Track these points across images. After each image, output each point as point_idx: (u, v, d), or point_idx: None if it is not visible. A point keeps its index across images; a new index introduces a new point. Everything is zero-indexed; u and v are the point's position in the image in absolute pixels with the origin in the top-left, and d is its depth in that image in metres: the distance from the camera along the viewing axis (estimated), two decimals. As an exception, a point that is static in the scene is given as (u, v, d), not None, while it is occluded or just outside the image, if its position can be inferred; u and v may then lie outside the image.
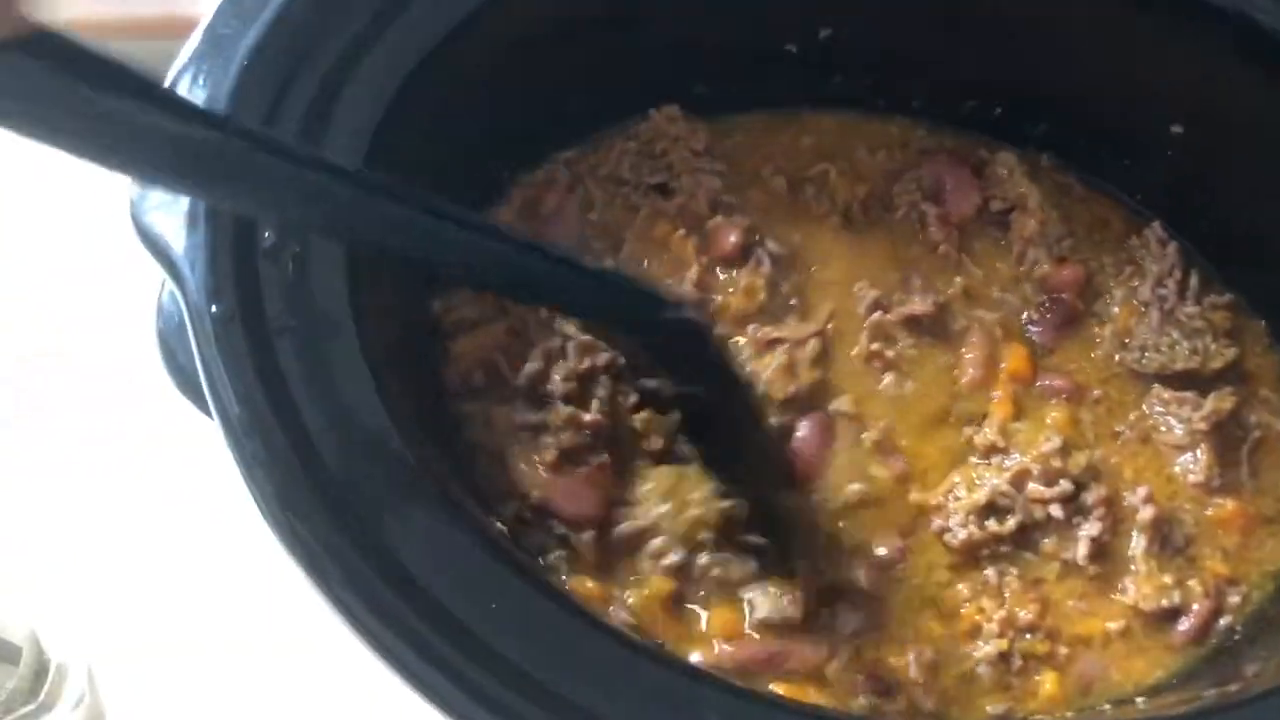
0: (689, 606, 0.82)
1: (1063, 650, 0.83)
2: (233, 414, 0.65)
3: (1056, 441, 0.87)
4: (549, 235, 0.96)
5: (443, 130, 0.87)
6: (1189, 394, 0.92)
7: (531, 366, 0.87)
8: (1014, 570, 0.85)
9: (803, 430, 0.89)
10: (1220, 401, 0.91)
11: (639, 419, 0.87)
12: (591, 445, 0.86)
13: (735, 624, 0.82)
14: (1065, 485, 0.86)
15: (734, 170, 1.01)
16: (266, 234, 0.71)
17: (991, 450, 0.89)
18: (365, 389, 0.69)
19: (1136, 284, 0.97)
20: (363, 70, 0.79)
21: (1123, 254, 1.00)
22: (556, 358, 0.88)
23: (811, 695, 0.80)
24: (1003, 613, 0.83)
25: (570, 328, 0.89)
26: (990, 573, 0.85)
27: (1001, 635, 0.82)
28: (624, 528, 0.84)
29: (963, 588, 0.85)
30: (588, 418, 0.86)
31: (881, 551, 0.85)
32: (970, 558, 0.85)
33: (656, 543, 0.84)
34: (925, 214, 1.00)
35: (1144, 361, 0.94)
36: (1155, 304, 0.96)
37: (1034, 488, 0.86)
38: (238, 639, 0.95)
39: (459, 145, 0.89)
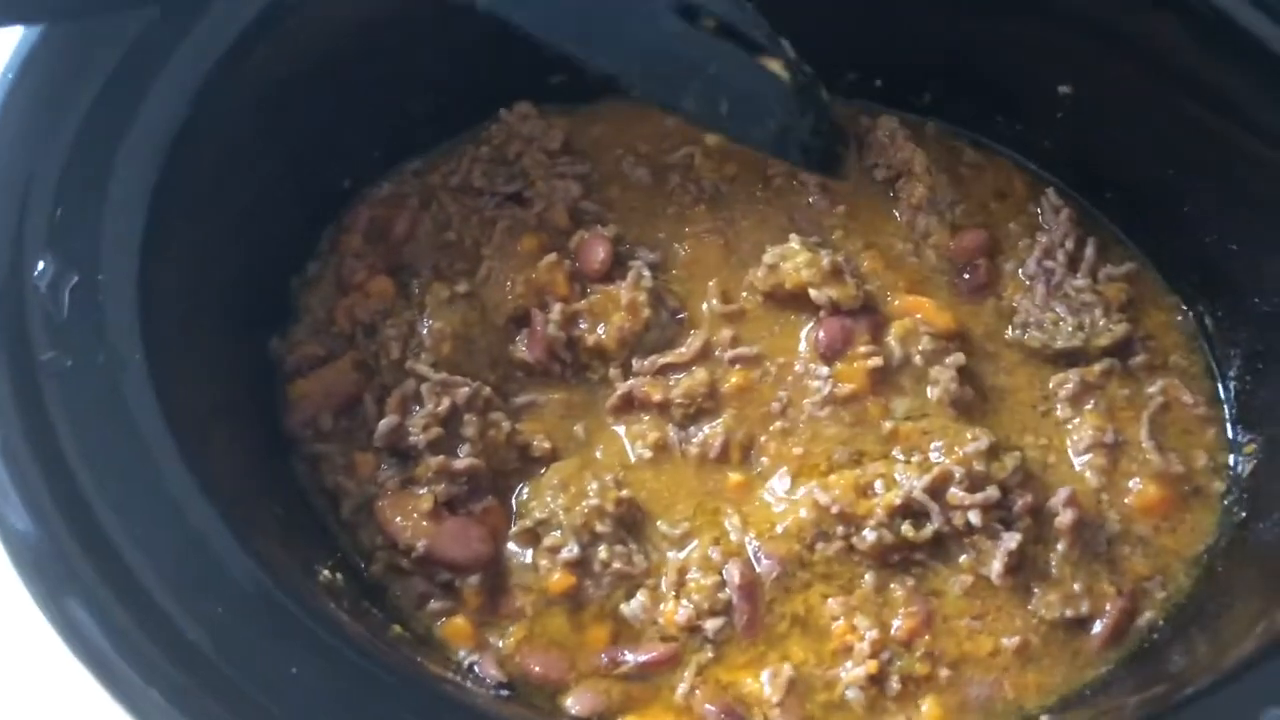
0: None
1: (944, 672, 0.77)
2: None
3: (984, 443, 0.81)
4: (402, 260, 0.89)
5: (261, 140, 0.79)
6: (1071, 373, 0.87)
7: (388, 422, 0.80)
8: (908, 582, 0.79)
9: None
10: (1086, 374, 0.86)
11: (521, 435, 0.82)
12: (471, 491, 0.80)
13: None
14: (991, 492, 0.79)
15: (595, 167, 0.94)
16: (41, 262, 0.63)
17: (901, 444, 0.83)
18: (162, 445, 0.62)
19: (1027, 256, 0.92)
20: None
21: (1024, 220, 0.94)
22: (411, 403, 0.81)
23: None
24: (875, 632, 0.77)
25: (421, 366, 0.82)
26: (868, 583, 0.79)
27: (874, 655, 0.76)
28: (514, 530, 0.79)
29: (834, 603, 0.78)
30: (460, 464, 0.80)
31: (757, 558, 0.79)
32: (881, 564, 0.79)
33: (552, 536, 0.78)
34: (804, 183, 0.93)
35: (1027, 339, 0.88)
36: (1041, 277, 0.90)
37: (955, 493, 0.79)
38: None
39: (283, 156, 0.82)
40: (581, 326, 0.86)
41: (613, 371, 0.86)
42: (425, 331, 0.84)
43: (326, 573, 0.72)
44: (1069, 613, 0.78)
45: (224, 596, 0.58)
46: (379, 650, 0.65)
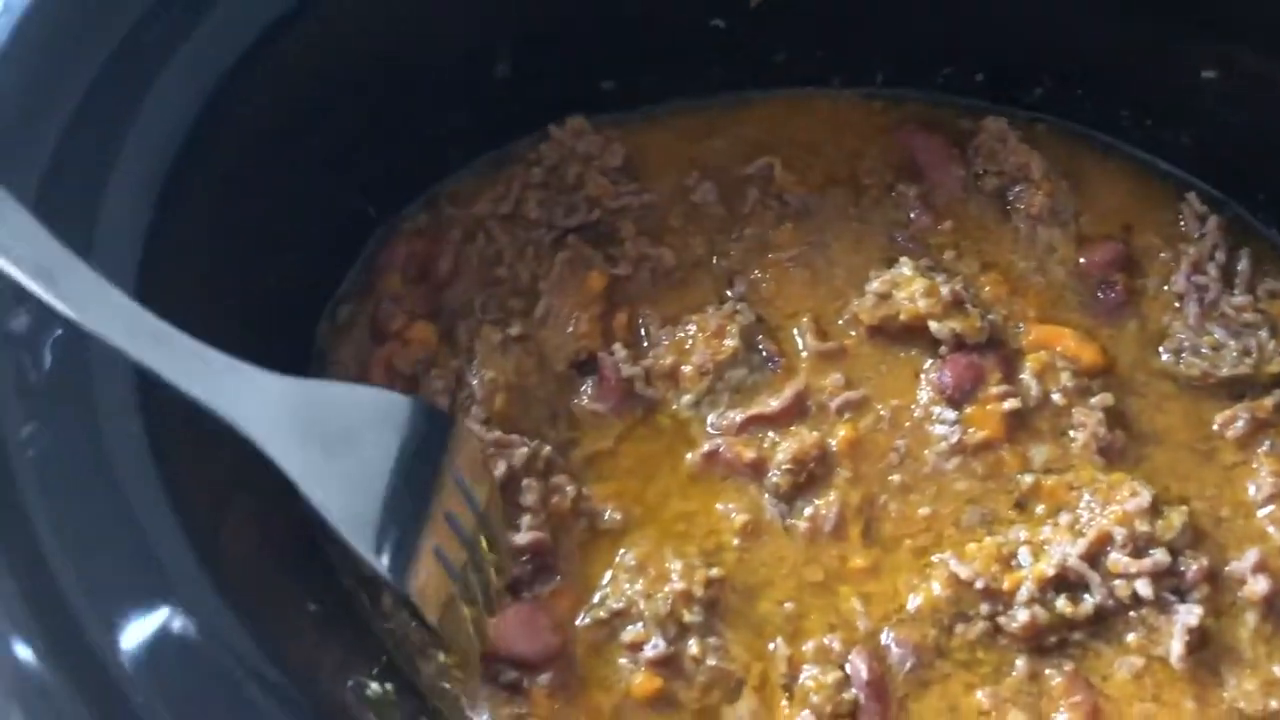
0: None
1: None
2: None
3: (1146, 497, 0.68)
4: (445, 301, 0.76)
5: (271, 156, 0.67)
6: (1238, 408, 0.73)
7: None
8: (1066, 666, 0.66)
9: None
10: (1256, 409, 0.72)
11: (588, 502, 0.69)
12: (536, 571, 0.68)
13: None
14: (1160, 556, 0.66)
15: (657, 186, 0.81)
16: (17, 311, 0.51)
17: (1044, 501, 0.70)
18: (169, 539, 0.49)
19: (1172, 271, 0.79)
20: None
21: (1163, 231, 0.80)
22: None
23: None
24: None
25: (472, 424, 0.70)
26: (1019, 669, 0.65)
27: None
28: (586, 621, 0.66)
29: (981, 696, 0.65)
30: (522, 540, 0.67)
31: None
32: (1033, 647, 0.66)
33: (632, 630, 0.66)
34: (904, 195, 0.81)
35: (1183, 367, 0.75)
36: (1192, 295, 0.77)
37: (1117, 559, 0.66)
38: None
39: (296, 176, 0.69)
40: (655, 355, 0.74)
41: (687, 411, 0.73)
42: (476, 383, 0.72)
43: (375, 685, 0.59)
44: (1275, 704, 0.64)
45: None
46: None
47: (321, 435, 0.52)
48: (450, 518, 0.57)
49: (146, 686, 0.45)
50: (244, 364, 0.52)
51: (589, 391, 0.74)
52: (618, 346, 0.75)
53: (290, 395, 0.52)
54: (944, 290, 0.74)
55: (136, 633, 0.47)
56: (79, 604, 0.47)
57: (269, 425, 0.51)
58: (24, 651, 0.46)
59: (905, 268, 0.75)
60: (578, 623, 0.67)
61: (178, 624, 0.48)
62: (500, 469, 0.68)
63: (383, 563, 0.52)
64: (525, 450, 0.70)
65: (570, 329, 0.75)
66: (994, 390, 0.72)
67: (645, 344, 0.76)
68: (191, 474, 0.54)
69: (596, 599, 0.68)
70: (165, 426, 0.53)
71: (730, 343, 0.74)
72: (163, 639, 0.48)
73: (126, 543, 0.50)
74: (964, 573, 0.67)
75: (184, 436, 0.55)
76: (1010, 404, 0.72)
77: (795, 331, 0.76)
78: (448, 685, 0.65)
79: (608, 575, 0.69)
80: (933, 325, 0.73)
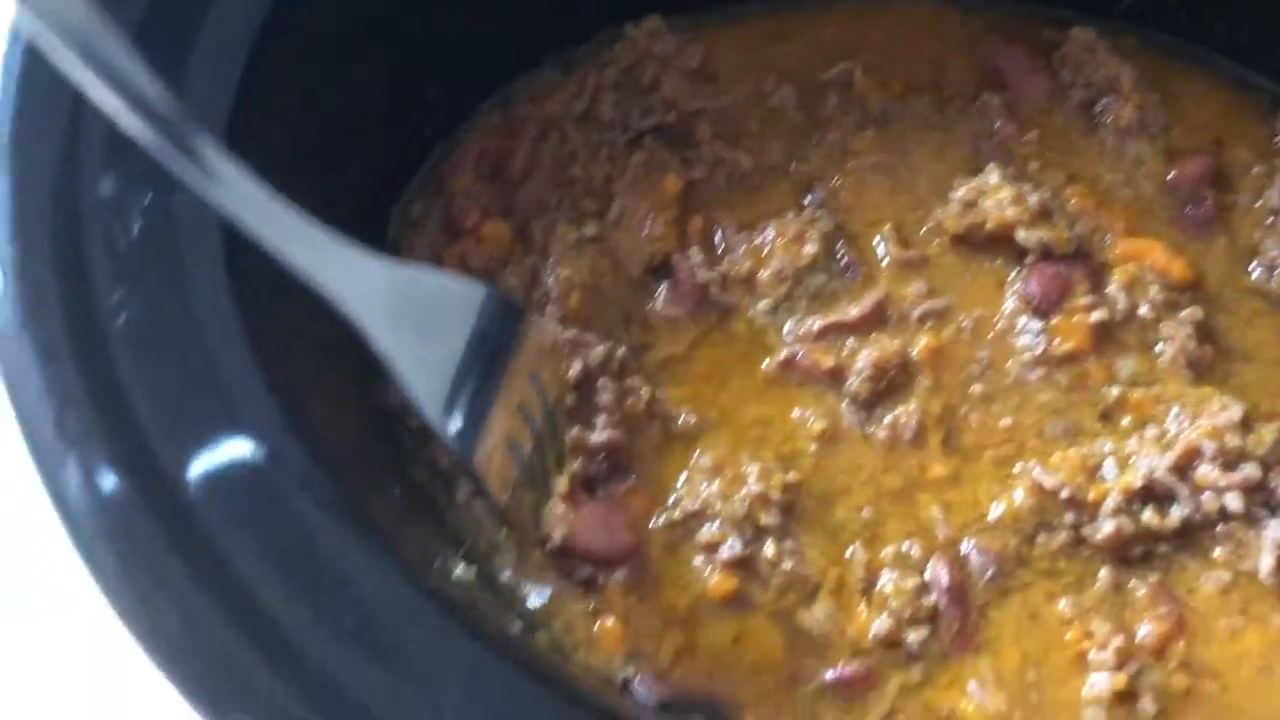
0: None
1: (1209, 684, 0.62)
2: (46, 442, 0.46)
3: (1237, 412, 0.66)
4: (518, 201, 0.75)
5: (349, 46, 0.66)
6: None
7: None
8: (1151, 578, 0.64)
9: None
10: None
11: (662, 405, 0.69)
12: (611, 470, 0.67)
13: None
14: (1251, 470, 0.64)
15: (734, 90, 0.79)
16: (104, 178, 0.51)
17: (1130, 414, 0.68)
18: (262, 410, 0.49)
19: (1264, 187, 0.76)
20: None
21: (1256, 146, 0.78)
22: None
23: None
24: (1120, 639, 0.62)
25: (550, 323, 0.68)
26: (1103, 580, 0.64)
27: (1120, 667, 0.61)
28: (661, 521, 0.66)
29: (1064, 605, 0.64)
30: (597, 438, 0.66)
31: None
32: (1117, 558, 0.64)
33: (707, 531, 0.65)
34: (987, 104, 0.78)
35: (1275, 284, 0.73)
36: (1288, 211, 0.75)
37: (1206, 472, 0.65)
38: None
39: (373, 68, 0.68)
40: (731, 260, 0.73)
41: (763, 318, 0.72)
42: (551, 281, 0.71)
43: (461, 567, 0.58)
44: (1368, 621, 0.63)
45: (350, 601, 0.44)
46: (540, 664, 0.51)
47: (411, 317, 0.53)
48: (520, 406, 0.57)
49: (243, 548, 0.44)
50: (347, 243, 0.52)
51: (663, 296, 0.73)
52: (693, 251, 0.73)
53: (385, 277, 0.53)
54: (1032, 199, 0.72)
55: (233, 501, 0.47)
56: (175, 471, 0.47)
57: (366, 304, 0.51)
58: (117, 510, 0.45)
59: (992, 175, 0.73)
60: (652, 523, 0.66)
61: (277, 497, 0.48)
62: (575, 368, 0.67)
63: (455, 440, 0.53)
64: (601, 350, 0.68)
65: (645, 232, 0.73)
66: (1081, 301, 0.70)
67: (721, 249, 0.74)
68: (278, 353, 0.53)
69: (671, 500, 0.67)
70: (253, 298, 0.53)
71: (810, 249, 0.72)
72: (260, 509, 0.47)
73: (223, 417, 0.49)
74: (1049, 482, 0.65)
75: (269, 316, 0.54)
76: (1097, 315, 0.70)
77: (876, 239, 0.74)
78: (521, 580, 0.65)
79: (682, 477, 0.67)
80: (1020, 234, 0.71)
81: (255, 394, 0.49)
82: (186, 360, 0.48)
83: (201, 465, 0.46)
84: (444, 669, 0.43)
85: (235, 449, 0.47)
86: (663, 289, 0.73)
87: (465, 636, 0.45)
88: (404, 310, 0.53)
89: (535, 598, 0.64)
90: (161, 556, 0.44)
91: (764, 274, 0.72)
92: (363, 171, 0.70)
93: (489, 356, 0.55)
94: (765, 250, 0.73)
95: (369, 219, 0.72)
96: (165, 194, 0.51)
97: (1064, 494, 0.65)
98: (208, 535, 0.44)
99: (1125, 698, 0.61)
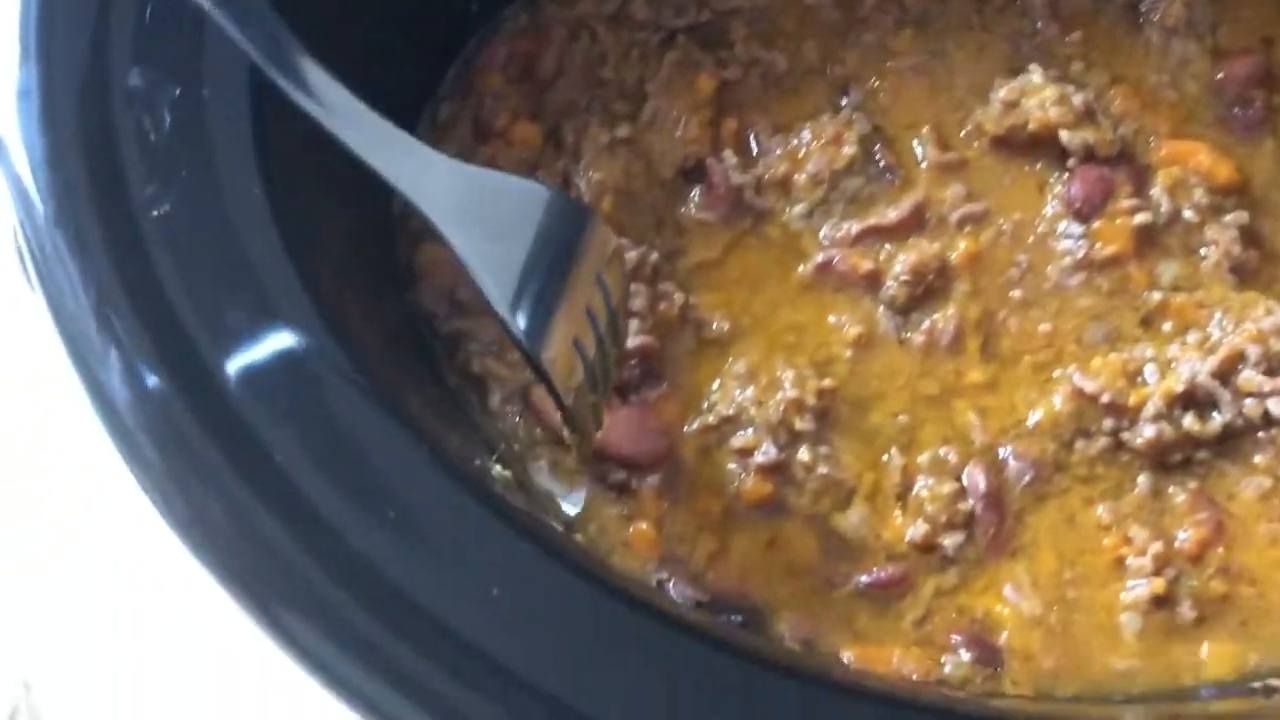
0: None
1: (1246, 589, 0.62)
2: (84, 339, 0.46)
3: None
4: (548, 103, 0.73)
5: None
6: None
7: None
8: (1190, 484, 0.64)
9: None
10: None
11: (696, 311, 0.68)
12: (645, 376, 0.66)
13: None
14: (1295, 375, 0.64)
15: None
16: (134, 70, 0.50)
17: (1172, 319, 0.67)
18: (296, 304, 0.48)
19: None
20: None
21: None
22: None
23: (887, 661, 0.61)
24: (1159, 544, 0.62)
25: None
26: (1141, 486, 0.64)
27: (1158, 572, 0.61)
28: (694, 426, 0.65)
29: (1102, 511, 0.63)
30: (631, 344, 0.65)
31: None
32: (1156, 464, 0.64)
33: (742, 436, 0.65)
34: (1029, 4, 0.75)
35: (1323, 191, 0.72)
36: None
37: (1249, 377, 0.64)
38: (173, 653, 0.78)
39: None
40: (766, 163, 0.71)
41: (798, 222, 0.71)
42: (583, 185, 0.70)
43: (499, 467, 0.58)
44: None
45: (391, 495, 0.44)
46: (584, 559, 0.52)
47: (480, 217, 0.53)
48: (585, 308, 0.57)
49: (282, 438, 0.44)
50: (417, 141, 0.53)
51: (696, 200, 0.71)
52: (727, 153, 0.71)
53: (456, 177, 0.54)
54: (1075, 100, 0.70)
55: (272, 390, 0.46)
56: (213, 361, 0.47)
57: (440, 203, 0.52)
58: (154, 399, 0.45)
59: (1035, 75, 0.71)
60: (685, 428, 0.66)
61: (315, 389, 0.47)
62: (610, 272, 0.66)
63: (525, 336, 0.53)
64: (634, 255, 0.68)
65: (678, 133, 0.72)
66: (1124, 204, 0.69)
67: (755, 152, 0.72)
68: (309, 250, 0.52)
69: (705, 405, 0.66)
70: (284, 193, 0.52)
71: (848, 150, 0.71)
72: (298, 398, 0.47)
73: (257, 309, 0.49)
74: (1089, 386, 0.64)
75: (301, 210, 0.53)
76: (1141, 218, 0.68)
77: (914, 142, 0.72)
78: (555, 484, 0.65)
79: (716, 383, 0.67)
80: (1063, 135, 0.69)
81: (291, 289, 0.49)
82: (223, 254, 0.48)
83: (240, 359, 0.46)
84: (488, 561, 0.43)
85: (274, 343, 0.47)
86: (696, 193, 0.71)
87: (508, 530, 0.44)
88: (471, 209, 0.53)
89: (569, 504, 0.64)
90: (203, 449, 0.44)
91: (800, 177, 0.71)
92: (391, 75, 0.68)
93: (555, 257, 0.55)
94: (801, 153, 0.71)
95: (399, 123, 0.70)
96: (194, 87, 0.50)
97: (1104, 399, 0.64)
98: (248, 428, 0.44)
99: (1162, 602, 0.61)
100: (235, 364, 0.46)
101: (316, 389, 0.47)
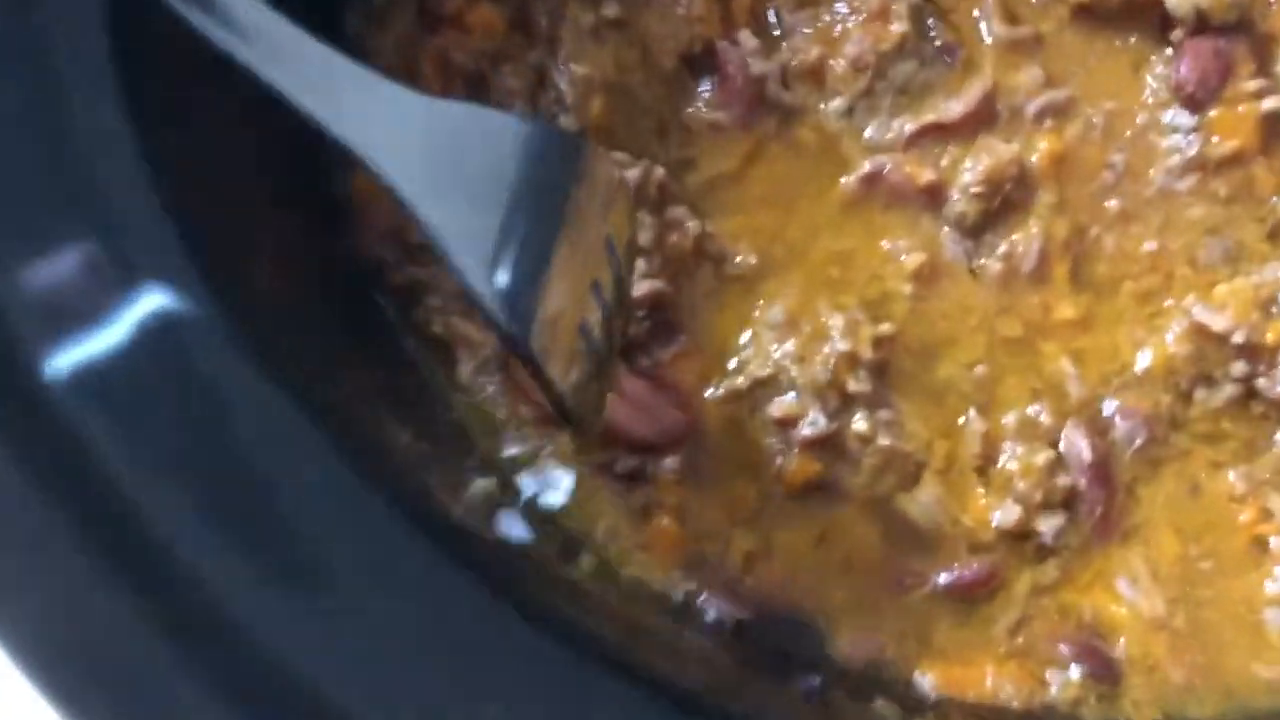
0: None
1: None
2: None
3: None
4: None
5: None
6: None
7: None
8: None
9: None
10: None
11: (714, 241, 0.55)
12: (657, 329, 0.54)
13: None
14: None
15: None
16: None
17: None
18: (160, 253, 0.35)
19: None
20: None
21: None
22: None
23: (979, 682, 0.51)
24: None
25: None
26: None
27: None
28: (720, 392, 0.54)
29: (1234, 477, 0.53)
30: (637, 292, 0.53)
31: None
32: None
33: (781, 403, 0.53)
34: None
35: None
36: None
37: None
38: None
39: None
40: (792, 46, 0.57)
41: (836, 121, 0.57)
42: (564, 83, 0.55)
43: (479, 479, 0.45)
44: None
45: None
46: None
47: (448, 164, 0.41)
48: (586, 273, 0.42)
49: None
50: (368, 71, 0.41)
51: (707, 95, 0.57)
52: (744, 35, 0.57)
53: (416, 116, 0.41)
54: (1181, -46, 0.56)
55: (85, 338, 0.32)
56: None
57: (395, 151, 0.40)
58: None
59: (1129, -79, 0.57)
60: (709, 394, 0.53)
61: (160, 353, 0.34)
62: (608, 204, 0.52)
63: (502, 310, 0.40)
64: (635, 173, 0.54)
65: (681, 10, 0.57)
66: (1246, 86, 0.55)
67: (778, 33, 0.58)
68: (186, 170, 0.38)
69: (733, 365, 0.54)
70: (155, 137, 0.36)
71: (897, 27, 0.56)
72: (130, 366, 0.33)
73: (92, 237, 0.35)
74: (1213, 321, 0.52)
75: (183, 151, 0.38)
76: (1270, 103, 0.55)
77: (976, 13, 0.58)
78: (534, 468, 0.52)
79: (746, 335, 0.54)
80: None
81: (157, 235, 0.35)
82: (63, 190, 0.33)
83: (75, 336, 0.32)
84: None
85: (128, 314, 0.32)
86: (706, 87, 0.57)
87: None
88: (436, 154, 0.40)
89: (559, 494, 0.52)
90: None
91: (836, 63, 0.56)
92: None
93: (541, 213, 0.42)
94: (836, 31, 0.57)
95: (320, 11, 0.54)
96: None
97: (1235, 337, 0.52)
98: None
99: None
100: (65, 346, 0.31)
101: (183, 379, 0.33)
